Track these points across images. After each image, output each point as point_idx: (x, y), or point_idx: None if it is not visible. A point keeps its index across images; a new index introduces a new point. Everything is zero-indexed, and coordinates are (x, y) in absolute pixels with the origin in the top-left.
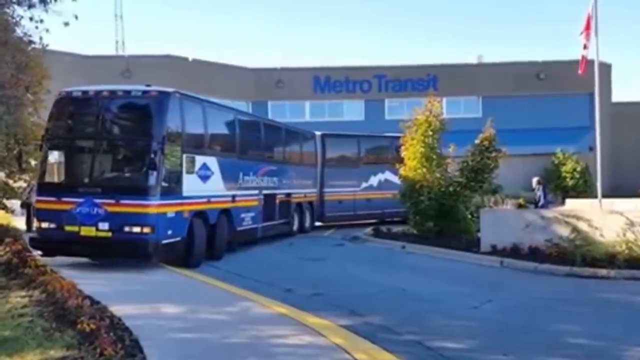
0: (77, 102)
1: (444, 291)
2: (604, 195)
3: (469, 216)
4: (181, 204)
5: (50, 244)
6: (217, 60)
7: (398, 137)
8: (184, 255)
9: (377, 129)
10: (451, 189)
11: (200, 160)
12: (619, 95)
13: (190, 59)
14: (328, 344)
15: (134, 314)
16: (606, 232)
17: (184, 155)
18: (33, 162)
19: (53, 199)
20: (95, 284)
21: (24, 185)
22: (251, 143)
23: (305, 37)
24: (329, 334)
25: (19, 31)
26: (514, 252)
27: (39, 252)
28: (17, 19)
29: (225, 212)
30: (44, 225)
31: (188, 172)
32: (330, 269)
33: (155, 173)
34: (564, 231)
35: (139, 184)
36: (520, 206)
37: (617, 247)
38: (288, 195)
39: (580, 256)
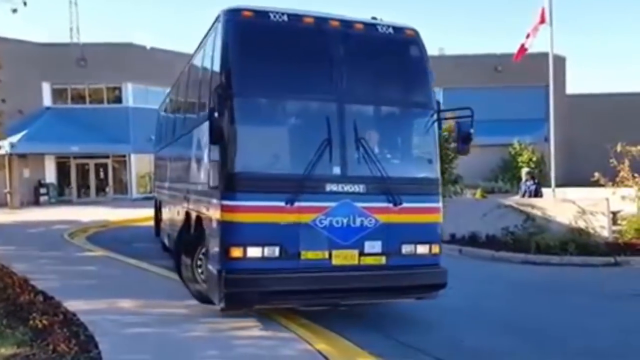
0: (282, 34)
1: None
2: (558, 185)
3: None
4: None
5: (263, 286)
6: (177, 49)
7: None
8: None
9: None
10: None
11: None
12: (573, 87)
13: (148, 47)
14: (290, 336)
15: (89, 309)
16: (559, 220)
17: None
18: None
19: (279, 204)
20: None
21: None
22: None
23: None
24: (290, 325)
25: None
26: (472, 240)
27: (225, 305)
28: None
29: None
30: (253, 253)
31: None
32: None
33: (438, 160)
34: (519, 220)
35: (427, 178)
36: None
37: (569, 234)
38: None
39: (534, 244)
